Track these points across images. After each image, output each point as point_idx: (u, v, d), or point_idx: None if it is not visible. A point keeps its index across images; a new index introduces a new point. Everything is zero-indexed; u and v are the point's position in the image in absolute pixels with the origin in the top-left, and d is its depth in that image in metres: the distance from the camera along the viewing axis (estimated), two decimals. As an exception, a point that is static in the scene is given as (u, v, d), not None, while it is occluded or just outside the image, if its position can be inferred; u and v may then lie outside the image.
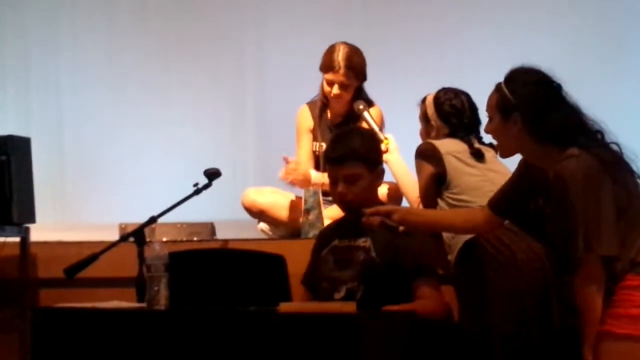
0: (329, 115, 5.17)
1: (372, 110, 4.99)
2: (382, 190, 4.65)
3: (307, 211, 4.85)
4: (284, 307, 3.38)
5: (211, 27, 6.62)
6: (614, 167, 3.08)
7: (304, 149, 5.19)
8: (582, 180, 3.02)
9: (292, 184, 4.99)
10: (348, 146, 3.86)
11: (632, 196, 3.09)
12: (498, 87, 3.24)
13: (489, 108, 3.28)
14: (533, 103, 3.16)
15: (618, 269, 3.03)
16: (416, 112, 4.46)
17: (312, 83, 5.22)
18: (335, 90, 5.01)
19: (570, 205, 3.01)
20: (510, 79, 3.23)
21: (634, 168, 3.14)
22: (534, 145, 3.17)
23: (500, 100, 3.21)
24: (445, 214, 3.98)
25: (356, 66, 5.02)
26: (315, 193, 4.86)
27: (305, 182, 4.96)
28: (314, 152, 5.19)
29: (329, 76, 5.02)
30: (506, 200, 3.45)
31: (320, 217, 4.84)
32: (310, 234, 4.77)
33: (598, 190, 3.02)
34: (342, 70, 4.99)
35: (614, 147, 3.15)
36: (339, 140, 3.96)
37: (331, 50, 5.05)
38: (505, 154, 3.32)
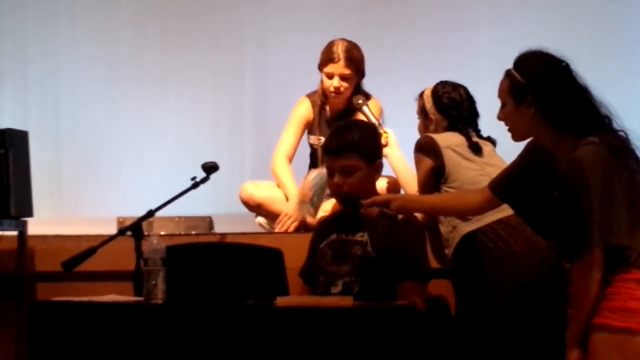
0: (327, 111, 5.15)
1: (370, 103, 4.98)
2: (381, 184, 4.64)
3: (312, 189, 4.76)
4: (281, 301, 3.38)
5: (210, 23, 6.61)
6: (627, 157, 3.08)
7: (290, 138, 5.13)
8: (601, 169, 3.02)
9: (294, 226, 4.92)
10: (346, 138, 3.85)
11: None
12: (508, 72, 3.23)
13: (500, 94, 3.26)
14: (545, 84, 3.14)
15: (632, 258, 3.03)
16: (414, 107, 4.46)
17: (310, 78, 5.21)
18: (335, 82, 4.98)
19: (587, 192, 3.00)
20: (520, 63, 3.22)
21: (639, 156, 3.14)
22: (548, 127, 3.15)
23: (512, 84, 3.19)
24: (443, 197, 3.97)
25: (355, 59, 5.00)
26: (321, 177, 4.75)
27: (300, 216, 4.91)
28: (312, 145, 5.17)
29: (329, 68, 4.99)
30: (509, 182, 3.42)
31: (320, 203, 4.79)
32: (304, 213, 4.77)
33: (614, 180, 3.02)
34: (342, 62, 4.96)
35: (622, 134, 3.14)
36: (338, 132, 3.96)
37: (330, 45, 5.04)
38: (519, 138, 3.28)
